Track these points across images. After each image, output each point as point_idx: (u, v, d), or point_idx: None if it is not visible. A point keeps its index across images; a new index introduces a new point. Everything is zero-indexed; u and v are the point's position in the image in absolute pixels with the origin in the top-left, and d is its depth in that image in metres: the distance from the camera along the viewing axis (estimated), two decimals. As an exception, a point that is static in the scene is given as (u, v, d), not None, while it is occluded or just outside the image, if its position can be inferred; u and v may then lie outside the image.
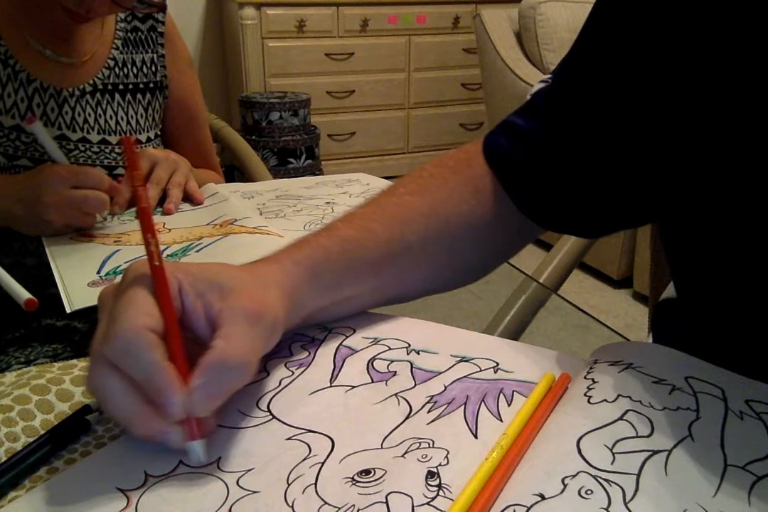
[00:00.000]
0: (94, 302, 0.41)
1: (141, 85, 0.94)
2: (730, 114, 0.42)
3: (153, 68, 0.95)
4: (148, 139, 0.95)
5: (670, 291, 0.65)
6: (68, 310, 0.55)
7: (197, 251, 0.67)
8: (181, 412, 0.35)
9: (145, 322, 0.35)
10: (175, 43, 0.99)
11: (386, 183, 0.93)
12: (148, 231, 0.39)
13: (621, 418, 0.36)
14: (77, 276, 0.62)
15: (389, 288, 0.51)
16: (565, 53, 0.52)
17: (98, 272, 0.63)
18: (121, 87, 0.92)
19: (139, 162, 0.82)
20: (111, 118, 0.90)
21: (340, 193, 0.89)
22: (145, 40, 0.95)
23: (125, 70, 0.92)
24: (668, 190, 0.48)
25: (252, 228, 0.72)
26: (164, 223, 0.77)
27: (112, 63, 0.91)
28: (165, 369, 0.35)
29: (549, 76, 0.55)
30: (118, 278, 0.43)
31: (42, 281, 0.61)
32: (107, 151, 0.89)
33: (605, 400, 0.37)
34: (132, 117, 0.93)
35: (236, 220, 0.75)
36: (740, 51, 0.41)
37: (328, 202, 0.84)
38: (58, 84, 0.86)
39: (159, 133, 0.98)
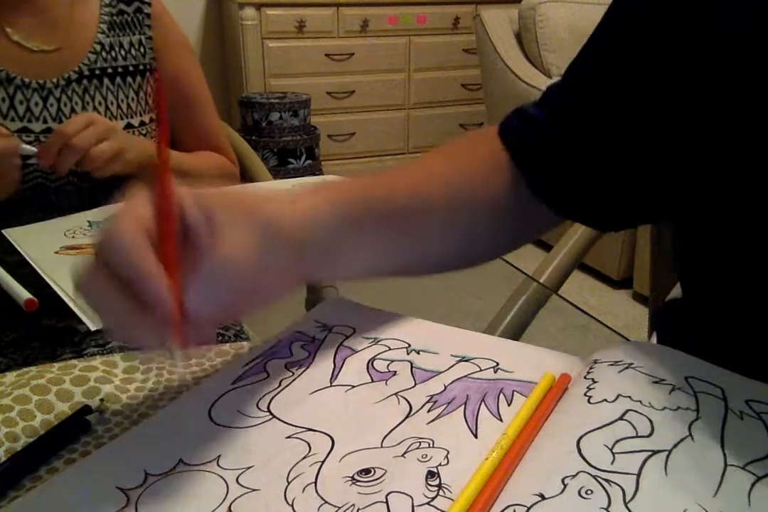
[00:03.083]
0: None
1: (131, 68, 0.92)
2: (742, 110, 0.42)
3: (141, 50, 0.93)
4: (142, 123, 0.93)
5: (677, 291, 0.65)
6: (93, 328, 0.53)
7: None
8: (168, 309, 0.34)
9: (135, 222, 0.35)
10: (165, 24, 0.96)
11: None
12: (162, 140, 0.38)
13: (621, 418, 0.36)
14: None
15: (406, 249, 0.51)
16: (565, 53, 0.52)
17: None
18: (109, 71, 0.90)
19: (75, 120, 0.80)
20: (100, 104, 0.89)
21: None
22: (131, 22, 0.93)
23: (113, 53, 0.90)
24: (679, 185, 0.48)
25: None
26: None
27: (98, 47, 0.90)
28: (151, 265, 0.34)
29: (558, 79, 0.55)
30: None
31: (42, 281, 0.61)
32: None
33: (605, 400, 0.37)
34: (122, 101, 0.91)
35: None
36: (750, 49, 0.41)
37: None
38: (41, 77, 0.85)
39: (153, 117, 0.96)
